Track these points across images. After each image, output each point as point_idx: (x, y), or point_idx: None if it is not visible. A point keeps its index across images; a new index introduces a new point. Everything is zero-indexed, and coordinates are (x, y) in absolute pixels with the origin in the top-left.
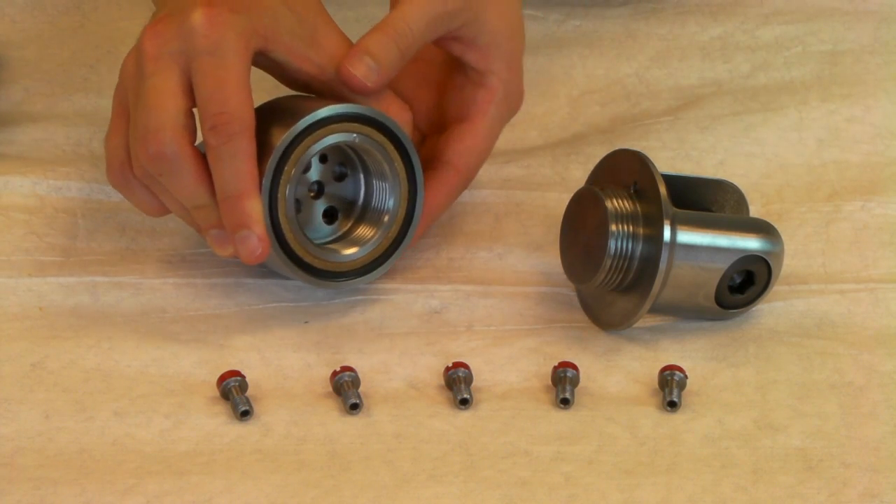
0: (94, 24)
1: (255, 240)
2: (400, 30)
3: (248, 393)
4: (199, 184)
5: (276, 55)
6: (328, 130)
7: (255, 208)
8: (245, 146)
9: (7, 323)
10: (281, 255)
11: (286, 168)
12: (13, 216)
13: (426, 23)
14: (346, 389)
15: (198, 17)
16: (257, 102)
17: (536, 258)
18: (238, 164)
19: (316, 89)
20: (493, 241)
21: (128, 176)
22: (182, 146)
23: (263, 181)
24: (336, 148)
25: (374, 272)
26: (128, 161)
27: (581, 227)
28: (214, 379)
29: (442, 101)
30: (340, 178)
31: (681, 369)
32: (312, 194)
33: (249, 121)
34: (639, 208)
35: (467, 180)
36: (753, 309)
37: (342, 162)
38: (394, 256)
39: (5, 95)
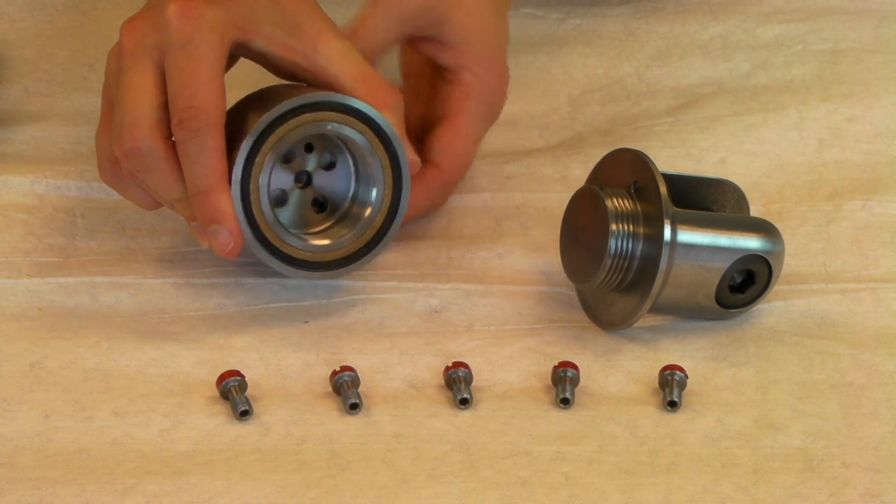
0: (93, 24)
1: (226, 234)
2: (362, 35)
3: (248, 393)
4: (174, 178)
5: (257, 45)
6: (301, 120)
7: (224, 203)
8: (212, 141)
9: (6, 323)
10: (253, 242)
11: (257, 159)
12: (12, 216)
13: (388, 25)
14: (346, 389)
15: (172, 11)
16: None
17: (537, 257)
18: (205, 160)
19: (302, 77)
20: (494, 240)
21: (118, 172)
22: (155, 141)
23: (234, 170)
24: (322, 138)
25: (354, 265)
26: (116, 157)
27: (581, 226)
28: (214, 379)
29: (427, 108)
30: (329, 167)
31: (681, 369)
32: (300, 185)
33: (217, 115)
34: (639, 207)
35: (450, 178)
36: (754, 308)
37: (331, 152)
38: (374, 251)
39: (5, 95)
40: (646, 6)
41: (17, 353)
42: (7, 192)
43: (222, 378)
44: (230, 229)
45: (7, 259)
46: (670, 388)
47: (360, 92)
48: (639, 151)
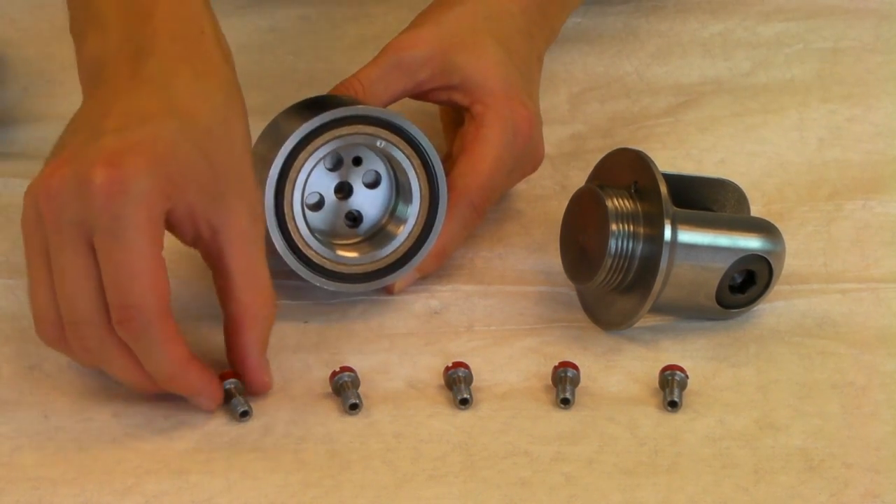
0: None
1: (207, 400)
2: (360, 91)
3: (248, 393)
4: (134, 368)
5: (178, 214)
6: (348, 130)
7: (194, 379)
8: (158, 334)
9: (5, 324)
10: (280, 241)
11: (298, 159)
12: (12, 216)
13: (388, 79)
14: (346, 390)
15: (97, 183)
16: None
17: (537, 258)
18: (159, 355)
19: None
20: (494, 241)
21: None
22: (105, 339)
23: (271, 170)
24: (371, 154)
25: (368, 284)
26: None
27: (581, 226)
28: None
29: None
30: (371, 186)
31: (681, 369)
32: (340, 195)
33: (157, 307)
34: (639, 207)
35: (475, 199)
36: (754, 308)
37: (377, 171)
38: (393, 275)
39: (5, 95)
40: (646, 4)
41: (17, 353)
42: (8, 192)
43: (222, 379)
44: (209, 395)
45: (7, 259)
46: (670, 388)
47: (236, 288)
48: (639, 151)
